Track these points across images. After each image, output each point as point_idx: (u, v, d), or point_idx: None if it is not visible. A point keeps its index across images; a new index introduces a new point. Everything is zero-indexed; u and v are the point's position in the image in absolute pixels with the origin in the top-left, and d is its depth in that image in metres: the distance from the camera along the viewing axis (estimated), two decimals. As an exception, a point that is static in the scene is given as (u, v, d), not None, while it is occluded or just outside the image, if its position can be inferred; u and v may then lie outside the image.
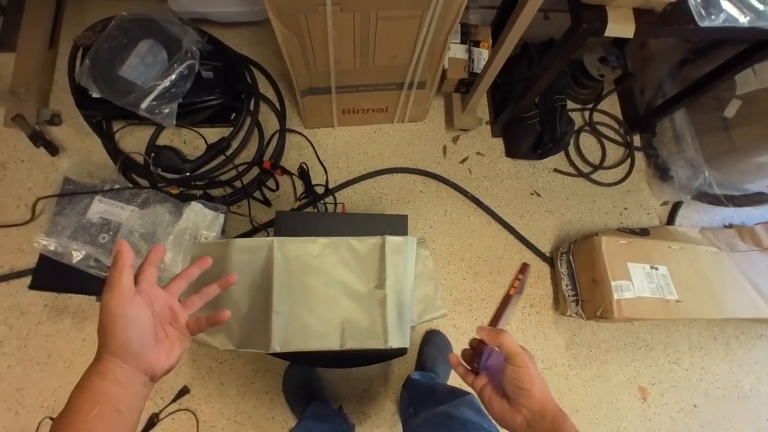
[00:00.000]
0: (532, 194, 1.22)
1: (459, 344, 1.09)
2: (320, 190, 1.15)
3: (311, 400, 0.97)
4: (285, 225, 0.83)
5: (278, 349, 0.75)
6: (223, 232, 1.03)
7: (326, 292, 0.79)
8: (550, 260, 1.16)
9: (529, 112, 1.13)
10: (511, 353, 0.42)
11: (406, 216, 0.85)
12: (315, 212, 1.08)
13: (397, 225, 0.84)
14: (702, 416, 1.10)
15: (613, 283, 0.93)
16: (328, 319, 0.78)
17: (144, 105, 0.99)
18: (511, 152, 1.23)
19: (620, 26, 0.73)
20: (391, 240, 0.80)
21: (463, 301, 1.12)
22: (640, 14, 0.75)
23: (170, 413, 0.99)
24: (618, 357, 1.12)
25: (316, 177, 1.16)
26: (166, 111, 1.01)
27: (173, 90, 1.01)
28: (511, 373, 0.41)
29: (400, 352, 0.80)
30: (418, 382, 0.89)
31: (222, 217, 1.00)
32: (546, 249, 1.18)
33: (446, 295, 1.12)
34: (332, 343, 0.77)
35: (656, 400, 1.10)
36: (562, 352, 1.11)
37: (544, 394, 0.41)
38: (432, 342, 1.06)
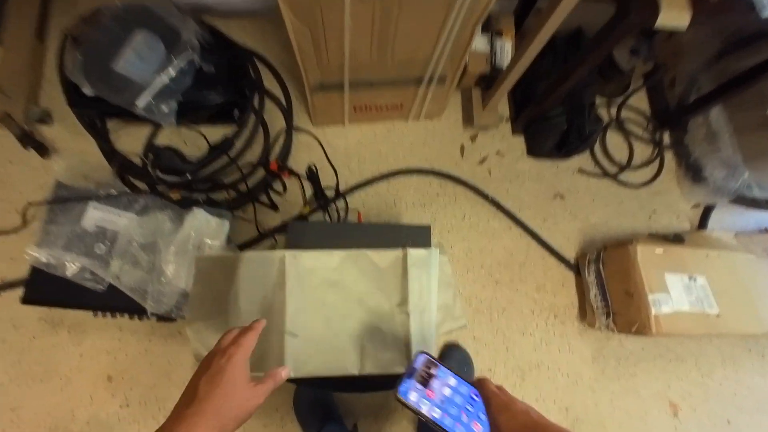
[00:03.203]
0: (555, 196, 1.15)
1: (480, 357, 1.03)
2: (330, 193, 1.07)
3: (324, 419, 0.91)
4: (297, 236, 0.76)
5: (292, 374, 0.69)
6: (228, 239, 0.96)
7: (344, 311, 0.73)
8: (575, 267, 1.09)
9: (555, 109, 1.05)
10: (490, 397, 0.39)
11: (429, 227, 0.78)
12: (329, 222, 1.01)
13: (419, 236, 0.78)
14: (736, 432, 1.04)
15: (650, 297, 0.87)
16: (347, 340, 0.72)
17: (141, 103, 0.91)
18: (534, 151, 1.16)
19: (674, 15, 0.65)
20: (414, 253, 0.73)
21: (483, 311, 1.05)
22: (694, 2, 0.66)
23: (175, 433, 0.93)
24: (647, 369, 1.06)
25: (326, 179, 1.09)
26: (166, 110, 0.93)
27: (172, 86, 0.93)
28: (493, 416, 0.38)
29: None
30: None
31: (227, 224, 0.93)
32: (570, 255, 1.11)
33: (465, 305, 1.05)
34: (351, 367, 0.71)
35: (688, 415, 1.04)
36: (589, 364, 1.05)
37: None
38: (452, 357, 1.00)
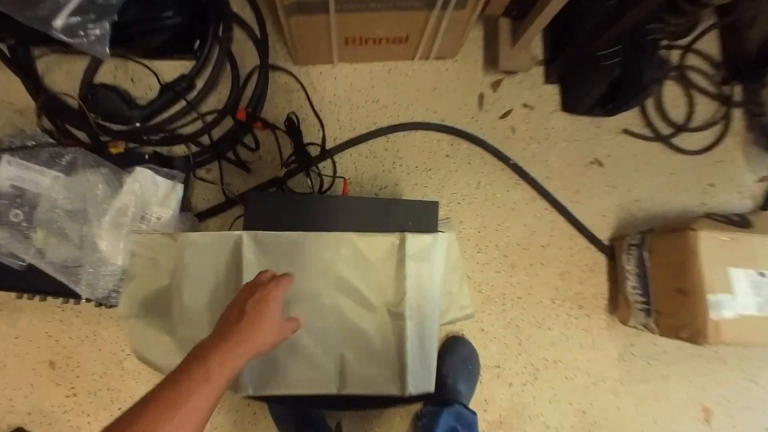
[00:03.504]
0: (592, 163, 0.94)
1: (487, 352, 0.87)
2: (315, 151, 0.87)
3: (303, 419, 0.77)
4: (258, 212, 0.57)
5: (251, 392, 0.53)
6: (184, 207, 0.77)
7: (319, 312, 0.56)
8: (609, 251, 0.91)
9: (607, 49, 0.80)
10: None
11: (436, 203, 0.59)
12: (303, 194, 0.80)
13: (422, 215, 0.58)
14: (775, 443, 0.91)
15: (710, 298, 0.69)
16: (323, 351, 0.55)
17: (59, 22, 0.68)
18: (571, 105, 0.92)
19: None
20: (414, 240, 0.55)
21: (495, 299, 0.89)
22: None
23: (130, 427, 0.81)
24: (682, 371, 0.91)
25: (310, 133, 0.88)
26: (95, 34, 0.70)
27: (101, 1, 0.69)
28: None
29: (422, 396, 0.58)
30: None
31: (180, 188, 0.74)
32: (604, 235, 0.92)
33: (474, 291, 0.88)
34: (327, 386, 0.55)
35: (721, 423, 0.91)
36: (614, 363, 0.89)
37: None
38: (455, 351, 0.84)
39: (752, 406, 0.91)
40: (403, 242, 0.53)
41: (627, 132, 0.94)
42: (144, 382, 0.81)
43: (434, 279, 0.56)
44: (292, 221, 0.56)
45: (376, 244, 0.54)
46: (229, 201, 0.84)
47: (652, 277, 0.79)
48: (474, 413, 0.80)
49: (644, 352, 0.90)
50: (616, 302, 0.89)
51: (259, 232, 0.55)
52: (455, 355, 0.84)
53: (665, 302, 0.76)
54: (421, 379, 0.54)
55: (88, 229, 0.66)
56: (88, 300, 0.69)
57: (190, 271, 0.56)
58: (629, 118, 0.95)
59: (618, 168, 0.94)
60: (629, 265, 0.84)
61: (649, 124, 0.95)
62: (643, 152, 0.95)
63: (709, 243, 0.71)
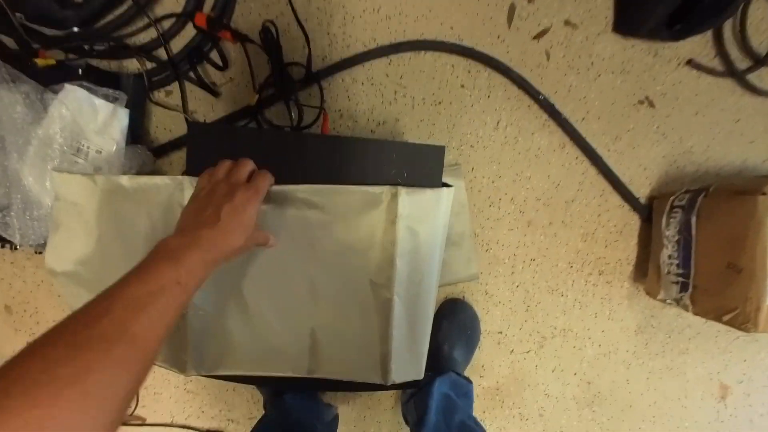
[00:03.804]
0: (641, 102, 0.76)
1: (489, 317, 0.78)
2: (298, 73, 0.70)
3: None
4: (204, 149, 0.43)
5: (194, 372, 0.44)
6: (136, 138, 0.63)
7: (285, 279, 0.44)
8: (647, 211, 0.77)
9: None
10: None
11: (442, 148, 0.44)
12: (264, 130, 0.64)
13: (423, 164, 0.44)
14: (791, 422, 0.85)
15: (771, 279, 0.56)
16: (288, 325, 0.45)
17: None
18: (627, 24, 0.72)
19: None
20: (409, 197, 0.41)
21: (504, 260, 0.77)
22: None
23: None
24: (705, 347, 0.82)
25: (293, 50, 0.70)
26: None
27: None
28: None
29: (409, 384, 0.48)
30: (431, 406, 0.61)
31: (124, 113, 0.60)
32: (642, 192, 0.77)
33: (480, 250, 0.77)
34: (293, 368, 0.45)
35: (738, 401, 0.84)
36: (630, 335, 0.80)
37: None
38: (453, 316, 0.75)
39: (775, 385, 0.83)
40: (394, 199, 0.40)
41: (692, 64, 0.75)
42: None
43: (433, 246, 0.43)
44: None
45: (359, 201, 0.41)
46: (189, 123, 0.70)
47: (697, 246, 0.66)
48: (469, 381, 0.73)
49: (665, 326, 0.80)
50: (644, 271, 0.77)
51: None
52: (454, 320, 0.75)
53: (709, 278, 0.64)
54: (408, 367, 0.45)
55: (8, 162, 0.54)
56: (28, 247, 0.58)
57: (119, 223, 0.44)
58: (698, 44, 0.75)
59: (672, 110, 0.76)
60: (669, 230, 0.70)
61: (722, 53, 0.75)
62: (707, 91, 0.76)
63: (782, 212, 0.57)
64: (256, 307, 0.44)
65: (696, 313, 0.66)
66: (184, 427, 0.79)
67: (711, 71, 0.75)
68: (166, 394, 0.78)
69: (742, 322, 0.58)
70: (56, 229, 0.47)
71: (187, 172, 0.42)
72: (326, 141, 0.43)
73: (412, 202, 0.42)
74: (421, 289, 0.43)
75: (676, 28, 0.69)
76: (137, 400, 0.78)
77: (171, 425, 0.79)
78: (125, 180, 0.43)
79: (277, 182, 0.42)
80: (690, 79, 0.76)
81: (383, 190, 0.41)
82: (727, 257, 0.61)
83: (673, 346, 0.81)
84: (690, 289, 0.66)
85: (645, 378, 0.82)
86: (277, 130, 0.63)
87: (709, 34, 0.75)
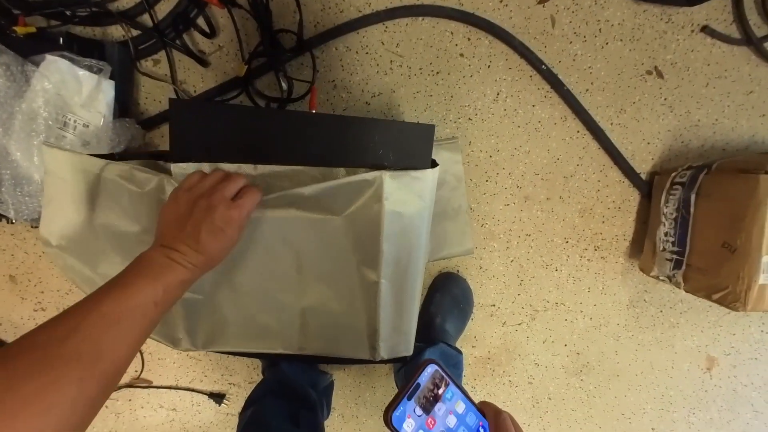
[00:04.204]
0: (649, 73, 0.72)
1: (483, 290, 0.79)
2: (290, 41, 0.67)
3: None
4: (187, 128, 0.42)
5: (188, 348, 0.46)
6: (124, 111, 0.62)
7: (274, 260, 0.45)
8: (647, 187, 0.75)
9: None
10: None
11: (431, 128, 0.43)
12: (247, 108, 0.61)
13: (411, 143, 0.43)
14: (774, 392, 0.87)
15: (765, 259, 0.56)
16: (278, 305, 0.46)
17: None
18: (639, -13, 0.67)
19: None
20: (394, 181, 0.41)
21: (499, 235, 0.77)
22: None
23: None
24: (695, 321, 0.83)
25: (283, 16, 0.67)
26: None
27: None
28: None
29: (399, 359, 0.50)
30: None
31: (109, 85, 0.58)
32: (643, 167, 0.76)
33: (476, 225, 0.76)
34: (284, 345, 0.47)
35: (723, 372, 0.86)
36: (622, 310, 0.82)
37: None
38: (447, 289, 0.76)
39: (761, 357, 0.85)
40: (379, 185, 0.39)
41: (706, 30, 0.70)
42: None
43: (419, 227, 0.43)
44: (233, 143, 0.42)
45: (346, 190, 0.41)
46: (171, 100, 0.68)
47: (694, 225, 0.65)
48: (459, 352, 0.75)
49: (657, 300, 0.81)
50: (640, 247, 0.77)
51: (190, 164, 0.41)
52: (447, 294, 0.76)
53: (703, 256, 0.63)
54: (397, 344, 0.46)
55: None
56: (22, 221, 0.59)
57: (108, 200, 0.44)
58: (715, 9, 0.70)
59: (681, 81, 0.72)
60: (667, 207, 0.69)
61: (739, 20, 0.70)
62: (721, 60, 0.72)
63: (784, 192, 0.55)
64: (247, 287, 0.44)
65: (687, 291, 0.66)
66: (188, 389, 0.84)
67: (726, 39, 0.71)
68: (169, 359, 0.82)
69: (732, 300, 0.58)
70: (48, 203, 0.47)
71: (170, 152, 0.42)
72: (312, 119, 0.41)
73: (397, 185, 0.41)
74: (408, 269, 0.43)
75: (692, -9, 0.64)
76: (142, 364, 0.81)
77: (176, 388, 0.84)
78: (115, 170, 0.42)
79: (264, 161, 0.41)
80: (703, 48, 0.72)
81: (368, 177, 0.40)
82: (723, 236, 0.60)
83: (663, 320, 0.82)
84: (683, 267, 0.66)
85: (634, 350, 0.84)
86: (263, 107, 0.61)
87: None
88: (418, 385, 0.29)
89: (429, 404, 0.29)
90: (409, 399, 0.28)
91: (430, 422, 0.29)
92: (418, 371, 0.29)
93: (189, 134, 0.41)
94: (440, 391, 0.30)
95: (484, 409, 0.31)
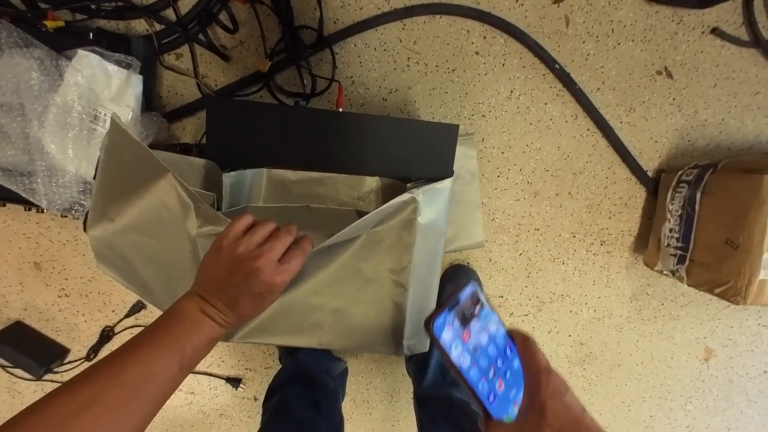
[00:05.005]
0: (659, 73, 0.74)
1: (492, 283, 0.82)
2: (310, 37, 0.68)
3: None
4: (226, 126, 0.44)
5: (226, 339, 0.48)
6: (149, 105, 0.64)
7: (318, 262, 0.47)
8: (654, 184, 0.78)
9: None
10: None
11: (456, 128, 0.45)
12: (286, 107, 0.63)
13: (437, 143, 0.45)
14: (768, 383, 0.91)
15: (766, 256, 0.58)
16: (311, 306, 0.48)
17: None
18: (653, -11, 0.69)
19: None
20: (424, 199, 0.43)
21: (509, 229, 0.80)
22: None
23: (126, 327, 0.82)
24: (695, 314, 0.86)
25: (304, 12, 0.68)
26: None
27: None
28: None
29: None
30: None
31: (138, 80, 0.60)
32: (651, 165, 0.78)
33: (487, 219, 0.79)
34: (313, 341, 0.49)
35: (720, 363, 0.90)
36: (625, 302, 0.85)
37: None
38: (457, 280, 0.79)
39: (757, 348, 0.89)
40: (415, 207, 0.41)
41: (716, 32, 0.72)
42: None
43: (440, 232, 0.45)
44: (268, 143, 0.44)
45: (382, 211, 0.42)
46: (206, 97, 0.70)
47: (698, 221, 0.68)
48: (470, 341, 0.78)
49: (660, 294, 0.84)
50: (645, 242, 0.80)
51: (231, 174, 0.43)
52: (456, 285, 0.79)
53: (706, 252, 0.66)
54: (417, 342, 0.49)
55: (29, 130, 0.55)
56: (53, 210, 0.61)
57: (152, 195, 0.46)
58: (725, 11, 0.72)
59: (690, 81, 0.74)
60: (673, 204, 0.72)
61: (749, 22, 0.72)
62: (729, 62, 0.74)
63: (787, 192, 0.58)
64: (292, 288, 0.46)
65: (690, 285, 0.69)
66: (205, 374, 0.87)
67: (735, 41, 0.73)
68: (188, 345, 0.85)
69: (733, 294, 0.61)
70: (102, 181, 0.47)
71: (207, 150, 0.44)
72: (342, 118, 0.43)
73: (426, 201, 0.43)
74: (429, 274, 0.46)
75: (704, -7, 0.66)
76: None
77: (194, 372, 0.86)
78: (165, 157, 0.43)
79: (300, 165, 0.43)
80: (712, 49, 0.73)
81: (405, 199, 0.41)
82: (726, 233, 0.63)
83: (665, 312, 0.86)
84: (687, 262, 0.69)
85: (635, 341, 0.87)
86: (295, 107, 0.63)
87: (738, 1, 0.71)
88: (458, 300, 0.31)
89: (466, 319, 0.31)
90: (449, 311, 0.30)
91: (466, 335, 0.31)
92: (460, 289, 0.31)
93: (224, 131, 0.43)
94: (476, 310, 0.31)
95: (513, 334, 0.33)
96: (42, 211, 0.63)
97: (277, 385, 0.67)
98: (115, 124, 0.42)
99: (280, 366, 0.77)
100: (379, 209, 0.40)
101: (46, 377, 0.80)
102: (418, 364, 0.72)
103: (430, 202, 0.42)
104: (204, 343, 0.35)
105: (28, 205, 0.62)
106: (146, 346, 0.33)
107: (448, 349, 0.30)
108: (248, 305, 0.36)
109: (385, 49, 0.71)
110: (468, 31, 0.71)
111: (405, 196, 0.41)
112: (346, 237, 0.41)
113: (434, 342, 0.30)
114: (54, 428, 0.27)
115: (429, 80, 0.72)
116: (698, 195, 0.67)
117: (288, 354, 0.76)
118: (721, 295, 0.63)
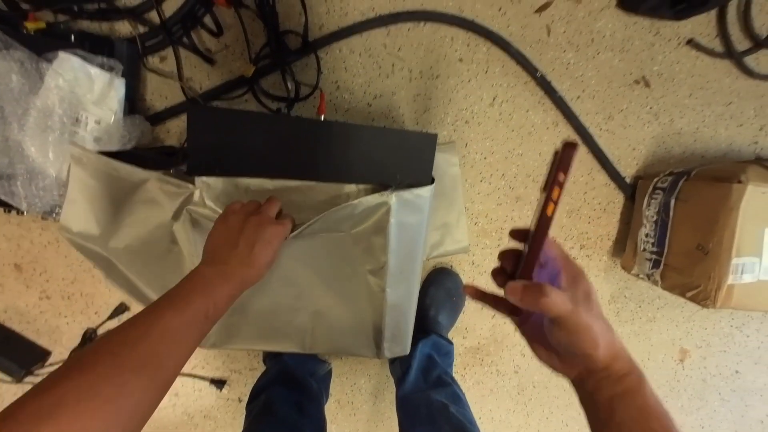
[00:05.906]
0: (637, 82, 0.76)
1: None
2: (295, 42, 0.69)
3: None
4: (208, 133, 0.44)
5: (207, 345, 0.49)
6: (133, 107, 0.64)
7: (290, 273, 0.48)
8: (631, 190, 0.80)
9: None
10: (561, 318, 0.31)
11: (434, 137, 0.46)
12: (269, 115, 0.63)
13: (416, 151, 0.46)
14: (739, 382, 0.94)
15: (734, 261, 0.61)
16: (292, 310, 0.49)
17: None
18: (632, 0, 0.71)
19: None
20: (400, 202, 0.44)
21: (492, 233, 0.81)
22: None
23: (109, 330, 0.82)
24: (671, 316, 0.89)
25: (289, 17, 0.68)
26: None
27: None
28: (560, 337, 0.32)
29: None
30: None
31: (120, 83, 0.60)
32: (629, 171, 0.80)
33: (470, 223, 0.80)
34: (295, 345, 0.50)
35: (694, 363, 0.92)
36: (604, 304, 0.87)
37: (612, 351, 0.33)
38: (440, 283, 0.80)
39: (729, 349, 0.92)
40: (389, 207, 0.42)
41: (692, 44, 0.74)
42: (117, 291, 0.79)
43: (419, 236, 0.46)
44: (249, 151, 0.44)
45: (357, 209, 0.43)
46: (190, 101, 0.70)
47: (672, 227, 0.70)
48: (450, 342, 0.80)
49: (637, 296, 0.87)
50: (622, 246, 0.82)
51: (211, 179, 0.43)
52: (440, 287, 0.80)
53: (679, 257, 0.68)
54: (397, 345, 0.50)
55: (8, 133, 0.54)
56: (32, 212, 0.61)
57: (132, 206, 0.46)
58: (700, 24, 0.74)
59: (667, 91, 0.77)
60: (649, 210, 0.74)
61: (723, 34, 0.74)
62: (704, 72, 0.76)
63: (754, 199, 0.60)
64: (263, 295, 0.47)
65: (664, 288, 0.72)
66: (190, 375, 0.87)
67: (710, 52, 0.75)
68: (172, 347, 0.85)
69: (703, 298, 0.64)
70: (71, 203, 0.49)
71: (188, 156, 0.44)
72: (324, 127, 0.44)
73: (402, 204, 0.44)
74: (409, 277, 0.47)
75: (679, 7, 0.68)
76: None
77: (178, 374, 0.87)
78: (153, 188, 0.44)
79: (279, 174, 0.44)
80: (688, 60, 0.76)
81: (379, 200, 0.43)
82: (697, 239, 0.65)
83: (642, 314, 0.88)
84: (661, 266, 0.71)
85: (613, 342, 0.89)
86: (278, 114, 0.64)
87: (713, 14, 0.74)
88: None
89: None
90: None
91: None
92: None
93: (206, 138, 0.44)
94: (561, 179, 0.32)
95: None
96: (22, 214, 0.63)
97: (261, 387, 0.67)
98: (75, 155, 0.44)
99: (265, 368, 0.77)
100: (351, 203, 0.42)
101: (26, 380, 0.79)
102: (401, 367, 0.73)
103: (408, 207, 0.44)
104: (224, 298, 0.39)
105: (7, 207, 0.62)
106: (176, 300, 0.36)
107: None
108: (261, 253, 0.41)
109: (370, 55, 0.71)
110: (452, 39, 0.72)
111: (378, 198, 0.42)
112: (321, 227, 0.43)
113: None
114: (112, 359, 0.30)
115: (413, 86, 0.73)
116: (672, 201, 0.70)
117: (272, 356, 0.76)
118: (692, 299, 0.66)
